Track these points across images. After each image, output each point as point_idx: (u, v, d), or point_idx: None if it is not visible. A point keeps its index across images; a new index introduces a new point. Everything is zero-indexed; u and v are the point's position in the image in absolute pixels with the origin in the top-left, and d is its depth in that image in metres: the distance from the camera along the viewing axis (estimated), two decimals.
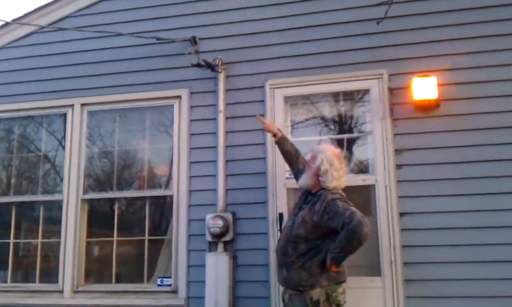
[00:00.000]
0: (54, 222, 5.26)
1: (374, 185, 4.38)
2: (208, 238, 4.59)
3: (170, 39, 5.00)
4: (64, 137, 5.32)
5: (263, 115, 4.66)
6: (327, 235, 3.41)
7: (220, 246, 4.57)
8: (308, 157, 3.93)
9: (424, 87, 4.30)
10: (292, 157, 4.12)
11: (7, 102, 5.45)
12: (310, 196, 3.65)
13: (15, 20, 5.53)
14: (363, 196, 4.45)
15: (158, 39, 4.99)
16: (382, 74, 4.51)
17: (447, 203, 4.21)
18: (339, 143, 4.69)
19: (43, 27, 5.42)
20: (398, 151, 4.36)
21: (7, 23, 5.55)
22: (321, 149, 3.77)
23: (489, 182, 4.18)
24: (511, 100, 4.27)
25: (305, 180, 3.74)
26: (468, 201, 4.18)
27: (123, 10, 5.32)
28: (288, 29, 4.84)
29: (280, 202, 4.54)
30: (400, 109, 4.43)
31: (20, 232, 5.43)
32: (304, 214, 3.56)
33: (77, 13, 5.44)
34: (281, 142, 4.17)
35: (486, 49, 4.39)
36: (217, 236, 4.55)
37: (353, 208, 3.34)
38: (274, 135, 4.20)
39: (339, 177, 3.62)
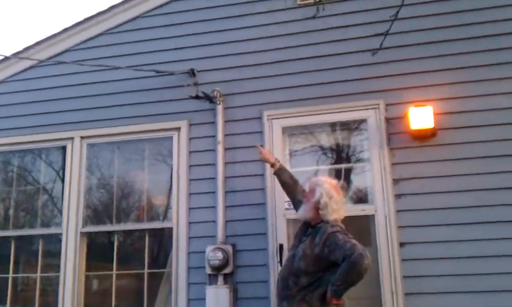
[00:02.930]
0: (53, 255, 5.24)
1: (373, 215, 4.38)
2: (208, 270, 4.56)
3: (169, 71, 5.06)
4: (63, 170, 5.33)
5: (262, 145, 4.68)
6: (328, 268, 3.39)
7: (220, 279, 4.54)
8: (306, 189, 3.93)
9: (421, 117, 4.33)
10: (290, 188, 4.13)
11: (6, 136, 5.45)
12: (310, 228, 3.64)
13: (14, 55, 5.58)
14: (362, 226, 4.44)
15: (157, 72, 5.05)
16: (379, 104, 4.55)
17: (447, 233, 4.20)
18: (337, 173, 4.72)
19: (42, 61, 5.47)
20: (396, 181, 4.38)
21: (6, 58, 5.60)
22: (319, 181, 3.75)
23: (488, 210, 4.18)
24: (507, 128, 4.30)
25: (304, 213, 3.72)
26: (468, 229, 4.18)
27: (121, 43, 5.38)
28: (285, 61, 4.90)
29: (280, 233, 4.54)
30: (397, 139, 4.46)
31: (18, 266, 5.39)
32: (304, 247, 3.54)
33: (76, 46, 5.50)
34: (279, 173, 4.18)
35: (481, 78, 4.44)
36: (217, 269, 4.52)
37: (354, 241, 3.33)
38: (272, 165, 4.22)
39: (338, 209, 3.61)
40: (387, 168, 4.41)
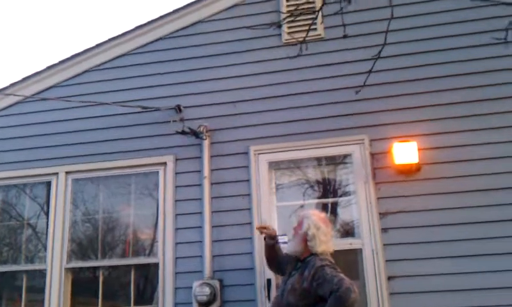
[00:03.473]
0: (37, 291, 5.15)
1: (360, 249, 4.41)
2: (195, 306, 4.53)
3: (155, 107, 5.09)
4: (47, 204, 5.29)
5: (247, 180, 4.74)
6: (317, 303, 3.39)
7: None
8: (294, 224, 3.94)
9: (405, 152, 4.41)
10: (279, 258, 4.06)
11: None
12: (299, 263, 3.66)
13: None
14: (350, 260, 4.46)
15: (143, 108, 5.08)
16: (363, 139, 4.63)
17: (433, 266, 4.24)
18: (323, 207, 4.75)
19: (27, 97, 5.47)
20: (383, 215, 4.43)
21: None
22: (307, 214, 3.79)
23: (476, 243, 4.24)
24: (491, 163, 4.40)
25: (293, 247, 3.75)
26: (456, 262, 4.22)
27: (108, 80, 5.41)
28: (270, 97, 4.98)
29: (268, 268, 4.52)
30: (382, 173, 4.53)
31: (1, 302, 5.30)
32: (293, 281, 3.55)
33: (63, 82, 5.51)
34: (276, 247, 4.09)
35: (465, 114, 4.56)
36: (205, 305, 4.48)
37: (341, 275, 3.35)
38: (274, 237, 4.07)
39: (327, 241, 3.64)
40: (373, 202, 4.46)
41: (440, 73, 4.70)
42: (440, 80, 4.69)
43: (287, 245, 3.88)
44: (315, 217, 3.72)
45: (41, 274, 5.10)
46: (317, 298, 3.38)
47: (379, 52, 3.46)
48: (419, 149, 4.42)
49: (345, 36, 3.55)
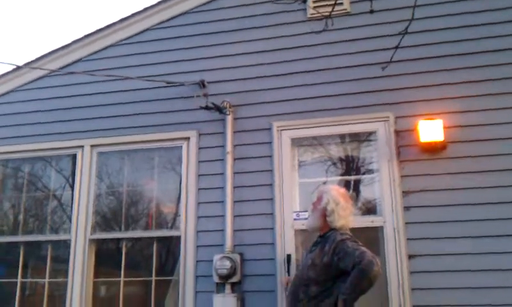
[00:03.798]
0: (61, 261, 5.26)
1: (382, 227, 4.39)
2: (216, 279, 4.57)
3: (179, 82, 5.10)
4: (72, 177, 5.37)
5: (270, 156, 4.74)
6: (338, 277, 3.39)
7: (227, 288, 4.54)
8: (313, 199, 3.92)
9: (430, 130, 4.35)
10: None
11: (17, 143, 5.52)
12: (319, 238, 3.66)
13: (26, 64, 5.65)
14: (371, 238, 4.43)
15: (167, 82, 5.10)
16: (388, 117, 4.57)
17: (456, 245, 4.19)
18: (346, 184, 4.74)
19: (54, 71, 5.54)
20: (405, 193, 4.38)
21: (19, 67, 5.67)
22: (326, 189, 3.79)
23: (500, 224, 4.17)
24: None
25: (312, 222, 3.76)
26: (478, 243, 4.17)
27: (133, 54, 5.45)
28: (294, 73, 4.95)
29: (288, 243, 4.54)
30: (406, 151, 4.48)
31: (27, 271, 5.42)
32: (313, 256, 3.55)
33: (88, 57, 5.56)
34: None
35: (492, 92, 4.45)
36: (225, 278, 4.53)
37: (363, 248, 3.34)
38: None
39: (346, 216, 3.62)
40: (396, 180, 4.42)
41: (468, 50, 4.60)
42: (467, 57, 4.58)
43: (306, 220, 3.86)
44: (335, 192, 3.72)
45: (66, 244, 5.20)
46: (338, 272, 3.38)
47: (407, 27, 3.41)
48: (445, 128, 4.35)
49: (371, 11, 3.49)
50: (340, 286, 3.34)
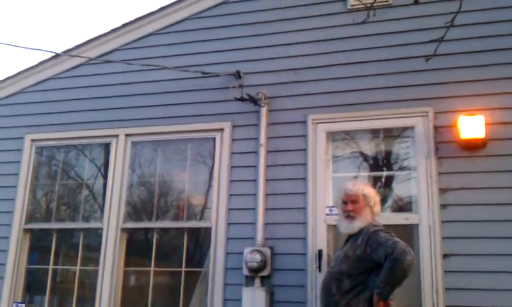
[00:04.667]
0: (92, 249, 5.32)
1: (417, 225, 4.28)
2: (246, 272, 4.53)
3: (214, 73, 5.09)
4: (105, 166, 5.42)
5: (304, 149, 4.68)
6: (372, 270, 3.32)
7: (257, 281, 4.50)
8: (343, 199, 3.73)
9: (471, 126, 4.22)
10: None
11: (53, 131, 5.60)
12: (354, 234, 3.59)
13: (65, 52, 5.73)
14: (405, 235, 4.26)
15: (203, 73, 5.09)
16: (427, 112, 4.46)
17: (493, 246, 4.06)
18: (380, 179, 4.69)
19: (91, 59, 5.59)
20: (443, 191, 4.27)
21: (57, 55, 5.75)
22: (361, 187, 3.70)
23: None
24: None
25: (363, 220, 3.58)
26: None
27: (168, 44, 5.47)
28: (332, 65, 4.88)
29: (320, 238, 4.47)
30: (445, 148, 4.36)
31: (58, 258, 5.48)
32: (346, 249, 3.51)
33: (125, 46, 5.61)
34: None
35: None
36: (255, 271, 4.49)
37: (396, 238, 3.30)
38: None
39: (380, 210, 3.69)
40: (434, 177, 4.30)
41: (510, 45, 4.44)
42: (509, 53, 4.43)
43: (354, 223, 3.59)
44: (368, 188, 3.74)
45: (97, 233, 5.25)
46: (372, 264, 3.32)
47: (452, 19, 3.31)
48: (486, 124, 4.20)
49: (416, 2, 3.40)
50: (374, 280, 3.27)
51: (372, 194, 3.64)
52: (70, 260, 5.44)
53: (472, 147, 4.26)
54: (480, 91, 4.38)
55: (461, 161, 4.29)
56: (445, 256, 4.14)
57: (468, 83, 4.44)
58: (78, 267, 5.27)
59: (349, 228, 3.62)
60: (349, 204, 3.62)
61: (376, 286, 3.23)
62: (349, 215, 3.60)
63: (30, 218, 5.52)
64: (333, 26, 4.96)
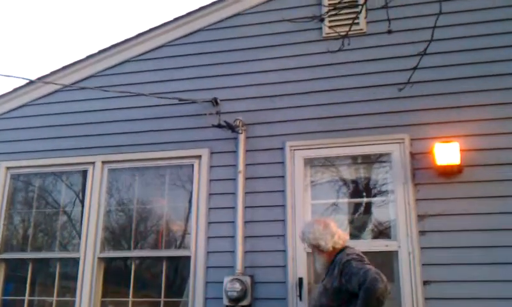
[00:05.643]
0: (69, 278, 5.21)
1: (396, 252, 4.29)
2: (226, 302, 4.48)
3: (192, 100, 5.07)
4: (83, 192, 5.34)
5: (282, 176, 4.66)
6: (350, 300, 3.31)
7: None
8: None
9: (446, 153, 4.26)
10: None
11: (30, 158, 5.50)
12: (330, 266, 3.60)
13: (40, 78, 5.65)
14: (385, 262, 4.34)
15: (180, 100, 5.06)
16: (403, 139, 4.50)
17: (472, 272, 4.09)
18: (358, 206, 4.70)
19: (66, 86, 5.52)
20: (421, 217, 4.29)
21: (32, 82, 5.67)
22: (302, 231, 3.81)
23: None
24: None
25: (318, 262, 3.75)
26: (493, 270, 4.06)
27: (146, 71, 5.44)
28: (310, 92, 4.90)
29: (300, 266, 4.46)
30: (422, 174, 4.39)
31: (35, 288, 5.36)
32: (325, 282, 3.52)
33: (102, 72, 5.56)
34: None
35: (510, 116, 4.37)
36: (235, 301, 4.44)
37: (367, 266, 3.30)
38: None
39: (329, 233, 3.60)
40: (411, 204, 4.33)
41: (486, 72, 4.53)
42: (485, 79, 4.51)
43: (315, 264, 3.85)
44: (307, 226, 3.78)
45: (74, 261, 5.15)
46: (349, 295, 3.32)
47: (425, 48, 3.37)
48: (461, 151, 4.26)
49: (389, 32, 3.43)
50: None
51: (311, 233, 3.64)
52: (47, 290, 5.32)
53: (448, 173, 4.30)
54: (455, 118, 4.45)
55: (438, 187, 4.33)
56: (425, 282, 4.15)
57: (443, 110, 4.49)
58: (55, 298, 5.16)
59: (315, 267, 3.89)
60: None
61: None
62: (313, 254, 3.81)
63: (5, 247, 5.41)
64: (309, 54, 4.99)
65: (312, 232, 3.65)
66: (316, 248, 3.65)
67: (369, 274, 3.18)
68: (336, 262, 3.50)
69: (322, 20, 4.33)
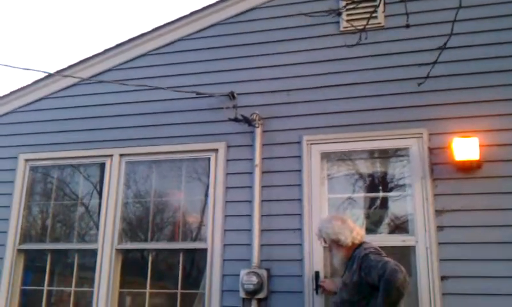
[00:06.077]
0: (87, 269, 5.27)
1: (414, 247, 4.28)
2: (242, 294, 4.51)
3: (209, 93, 5.08)
4: (100, 185, 5.39)
5: (299, 170, 4.66)
6: (371, 294, 3.35)
7: (254, 304, 4.48)
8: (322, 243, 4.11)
9: (465, 148, 4.23)
10: None
11: (47, 151, 5.56)
12: (349, 262, 3.63)
13: (58, 72, 5.70)
14: (402, 257, 4.31)
15: (197, 93, 5.08)
16: (422, 133, 4.47)
17: (490, 268, 4.07)
18: (376, 200, 4.67)
19: (84, 80, 5.57)
20: (439, 212, 4.27)
21: (50, 75, 5.72)
22: (319, 227, 3.86)
23: None
24: None
25: (336, 258, 3.76)
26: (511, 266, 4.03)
27: (163, 65, 5.46)
28: (327, 86, 4.88)
29: (316, 260, 4.46)
30: (440, 169, 4.37)
31: (53, 279, 5.44)
32: (345, 278, 3.57)
33: (119, 66, 5.59)
34: None
35: None
36: (251, 294, 4.47)
37: (386, 259, 3.34)
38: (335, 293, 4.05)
39: (347, 228, 3.66)
40: (429, 199, 4.31)
41: (506, 67, 4.47)
42: (505, 74, 4.45)
43: (333, 259, 3.87)
44: (324, 222, 3.83)
45: (93, 252, 5.20)
46: (369, 289, 3.35)
47: (445, 42, 3.32)
48: (481, 146, 4.22)
49: (407, 26, 3.40)
50: (375, 304, 3.30)
51: (330, 229, 3.68)
52: (65, 281, 5.40)
53: (467, 169, 4.27)
54: (475, 113, 4.40)
55: (456, 183, 4.30)
56: (442, 278, 4.14)
57: (462, 105, 4.45)
58: (73, 288, 5.23)
59: (334, 263, 3.88)
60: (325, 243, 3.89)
61: None
62: (330, 251, 3.85)
63: (24, 238, 5.49)
64: (327, 48, 4.97)
65: (331, 227, 3.68)
66: (335, 243, 3.67)
67: (388, 265, 3.21)
68: (354, 257, 3.54)
69: (339, 14, 4.29)
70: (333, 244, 3.70)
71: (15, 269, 5.36)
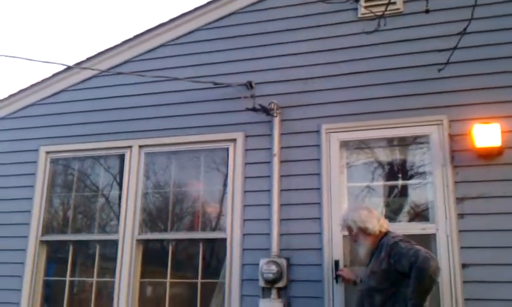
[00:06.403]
0: (108, 260, 5.33)
1: (434, 234, 4.24)
2: (262, 283, 4.53)
3: (226, 83, 5.08)
4: (120, 176, 5.44)
5: (318, 159, 4.65)
6: (400, 281, 3.35)
7: (273, 292, 4.49)
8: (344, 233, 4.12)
9: (486, 135, 4.17)
10: None
11: (67, 143, 5.62)
12: (375, 250, 3.63)
13: (76, 64, 5.74)
14: (422, 245, 4.27)
15: (215, 83, 5.08)
16: (442, 120, 4.42)
17: (511, 255, 4.02)
18: (396, 188, 4.65)
19: (102, 72, 5.61)
20: (460, 200, 4.23)
21: (69, 67, 5.77)
22: (345, 217, 3.87)
23: None
24: None
25: (363, 247, 3.74)
26: None
27: (180, 55, 5.47)
28: (344, 74, 4.84)
29: (336, 249, 4.45)
30: (461, 156, 4.31)
31: (75, 269, 5.51)
32: (372, 266, 3.56)
33: (137, 57, 5.61)
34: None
35: None
36: (271, 282, 4.48)
37: (417, 247, 3.34)
38: (354, 282, 4.11)
39: (375, 217, 3.70)
40: (450, 186, 4.27)
41: None
42: None
43: (359, 249, 3.81)
44: (351, 211, 3.84)
45: (114, 243, 5.26)
46: (399, 276, 3.36)
47: (465, 27, 3.28)
48: (502, 132, 4.16)
49: (427, 11, 3.36)
50: (404, 293, 3.30)
51: (357, 217, 3.69)
52: (87, 271, 5.47)
53: (488, 155, 4.21)
54: (496, 99, 4.33)
55: (477, 170, 4.25)
56: (463, 266, 4.11)
57: (482, 91, 4.38)
58: (95, 279, 5.30)
59: (359, 252, 3.81)
60: (349, 233, 3.87)
61: (408, 298, 3.25)
62: (355, 241, 3.82)
63: (46, 230, 5.57)
64: (344, 35, 4.92)
65: (359, 215, 3.69)
66: (362, 231, 3.67)
67: (420, 253, 3.22)
68: (382, 245, 3.55)
69: (357, 0, 4.26)
70: (360, 232, 3.69)
71: (38, 260, 5.44)
